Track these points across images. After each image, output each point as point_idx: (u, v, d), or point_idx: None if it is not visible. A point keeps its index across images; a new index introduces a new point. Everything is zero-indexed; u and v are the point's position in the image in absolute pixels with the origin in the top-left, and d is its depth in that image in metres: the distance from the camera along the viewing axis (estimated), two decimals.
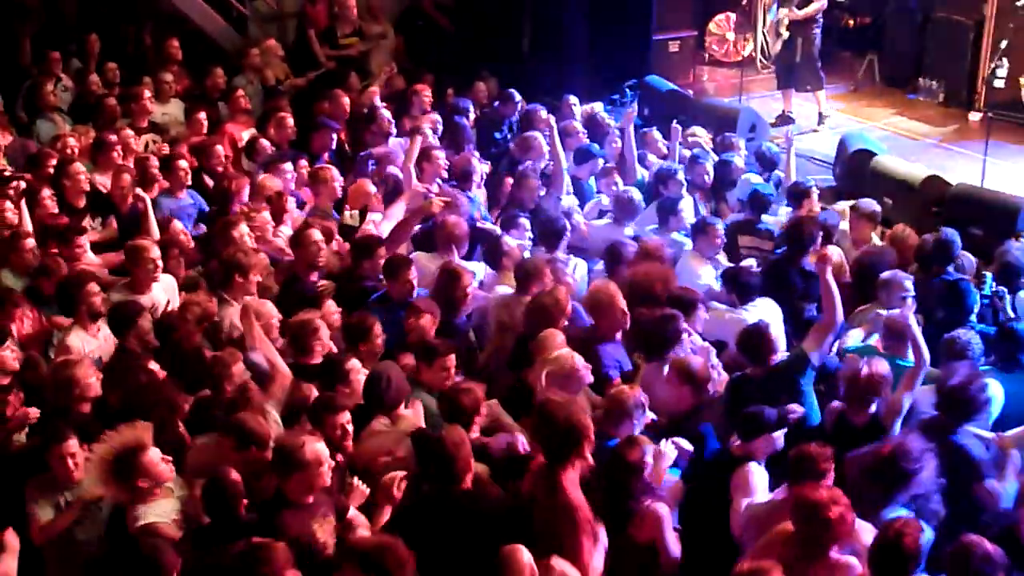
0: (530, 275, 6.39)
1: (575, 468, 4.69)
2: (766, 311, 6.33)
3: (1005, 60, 8.78)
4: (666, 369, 5.64)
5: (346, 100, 9.56)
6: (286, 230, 7.32)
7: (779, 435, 5.01)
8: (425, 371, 5.55)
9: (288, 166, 8.12)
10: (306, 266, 6.65)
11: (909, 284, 6.30)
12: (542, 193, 8.00)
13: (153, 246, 6.62)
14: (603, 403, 5.33)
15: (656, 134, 9.26)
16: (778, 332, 6.02)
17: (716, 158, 8.62)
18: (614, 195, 7.87)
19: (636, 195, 7.68)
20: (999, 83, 8.90)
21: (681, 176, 8.09)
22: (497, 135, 9.73)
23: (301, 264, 6.68)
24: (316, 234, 6.66)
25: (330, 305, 6.25)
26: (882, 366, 5.38)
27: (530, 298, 6.17)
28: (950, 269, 6.66)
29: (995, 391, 5.37)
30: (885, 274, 6.41)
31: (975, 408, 5.22)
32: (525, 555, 4.25)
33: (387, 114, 9.21)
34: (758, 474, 4.93)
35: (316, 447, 4.60)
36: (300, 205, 7.90)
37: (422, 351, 5.62)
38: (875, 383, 5.32)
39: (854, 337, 6.21)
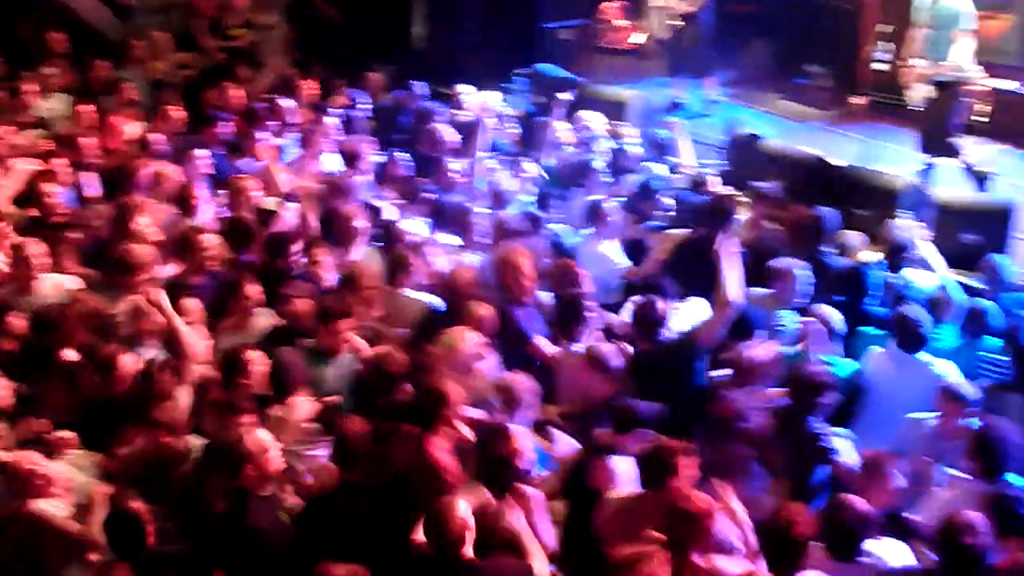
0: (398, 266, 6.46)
1: (443, 435, 4.82)
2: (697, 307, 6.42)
3: (887, 44, 9.01)
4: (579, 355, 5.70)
5: (236, 92, 9.46)
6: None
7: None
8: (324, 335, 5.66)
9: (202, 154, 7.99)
10: (194, 269, 6.54)
11: (805, 274, 6.39)
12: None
13: (33, 243, 6.47)
14: (496, 390, 5.36)
15: (558, 123, 9.30)
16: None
17: (611, 145, 8.73)
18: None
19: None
20: (882, 67, 9.14)
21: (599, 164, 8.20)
22: (396, 125, 9.69)
23: (190, 268, 6.55)
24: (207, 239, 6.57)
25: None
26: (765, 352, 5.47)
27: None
28: (827, 249, 6.83)
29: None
30: (779, 264, 6.50)
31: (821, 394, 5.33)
32: (462, 506, 4.30)
33: (286, 103, 9.15)
34: (623, 466, 4.92)
35: (255, 436, 4.66)
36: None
37: (321, 316, 5.72)
38: (758, 369, 5.44)
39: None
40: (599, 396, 5.46)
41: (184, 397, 5.38)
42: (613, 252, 7.19)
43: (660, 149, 8.75)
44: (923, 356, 5.84)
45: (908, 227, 7.34)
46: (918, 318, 5.88)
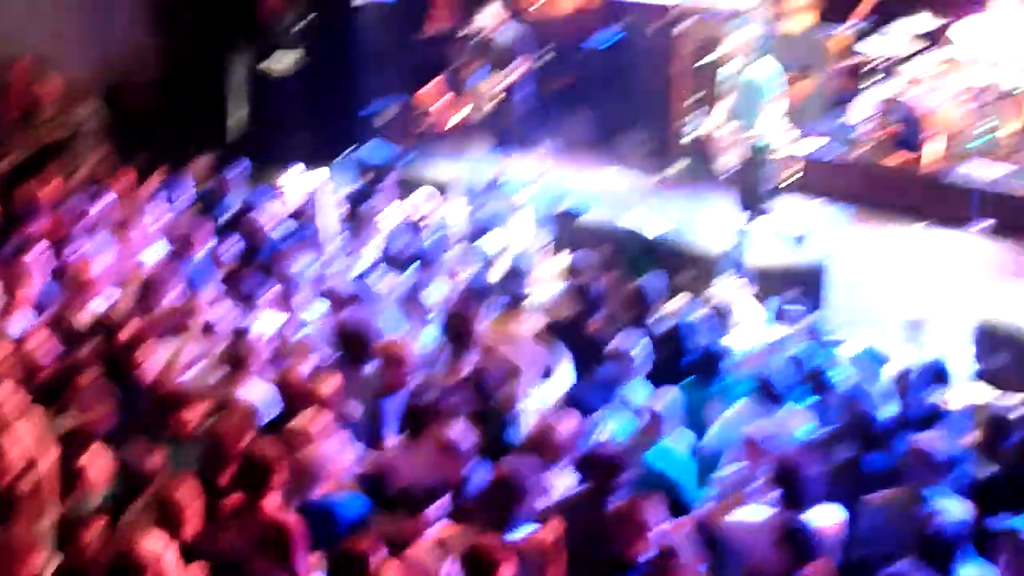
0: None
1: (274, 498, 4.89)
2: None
3: (698, 112, 9.39)
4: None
5: (51, 187, 9.22)
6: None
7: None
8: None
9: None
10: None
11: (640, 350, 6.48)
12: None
13: None
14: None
15: (383, 202, 9.32)
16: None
17: (436, 224, 8.81)
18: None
19: None
20: (694, 135, 9.51)
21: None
22: (219, 211, 9.60)
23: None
24: None
25: None
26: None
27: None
28: (653, 316, 7.02)
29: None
30: (615, 344, 6.57)
31: None
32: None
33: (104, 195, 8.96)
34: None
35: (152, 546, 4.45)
36: None
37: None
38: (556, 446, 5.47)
39: None
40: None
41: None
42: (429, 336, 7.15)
43: (485, 226, 8.86)
44: (780, 412, 5.99)
45: (730, 290, 7.59)
46: (772, 379, 6.04)
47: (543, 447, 5.43)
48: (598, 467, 5.23)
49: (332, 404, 5.84)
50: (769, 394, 6.13)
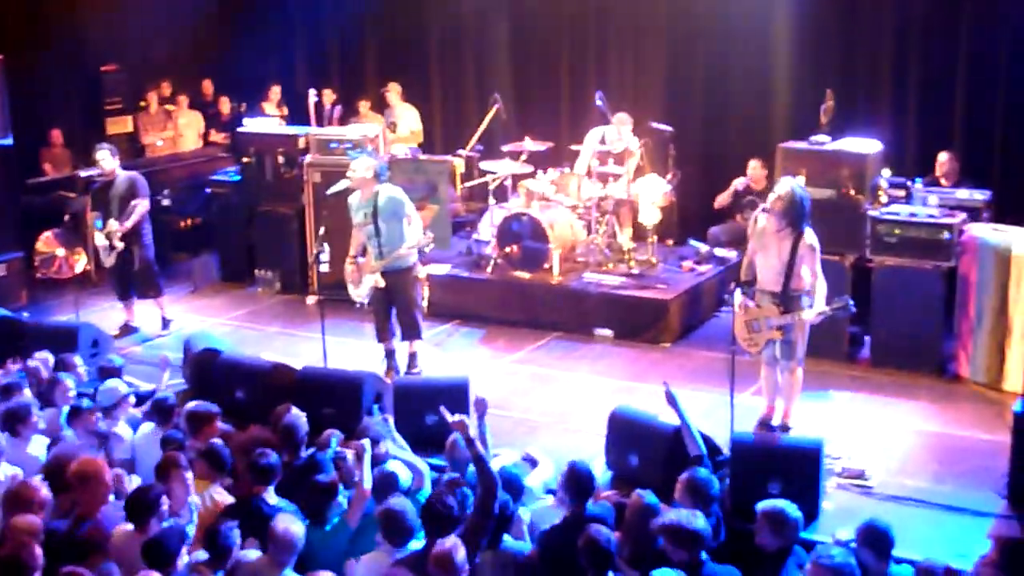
0: None
1: None
2: None
3: (326, 244, 9.39)
4: None
5: None
6: None
7: None
8: None
9: None
10: None
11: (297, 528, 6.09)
12: None
13: None
14: None
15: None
16: None
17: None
18: None
19: None
20: (324, 267, 9.49)
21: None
22: None
23: None
24: None
25: None
26: None
27: None
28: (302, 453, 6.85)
29: None
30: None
31: None
32: None
33: None
34: None
35: None
36: None
37: None
38: None
39: None
40: None
41: None
42: None
43: (110, 374, 8.43)
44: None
45: (376, 423, 7.47)
46: (403, 510, 5.93)
47: None
48: None
49: None
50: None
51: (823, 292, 7.74)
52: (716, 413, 8.12)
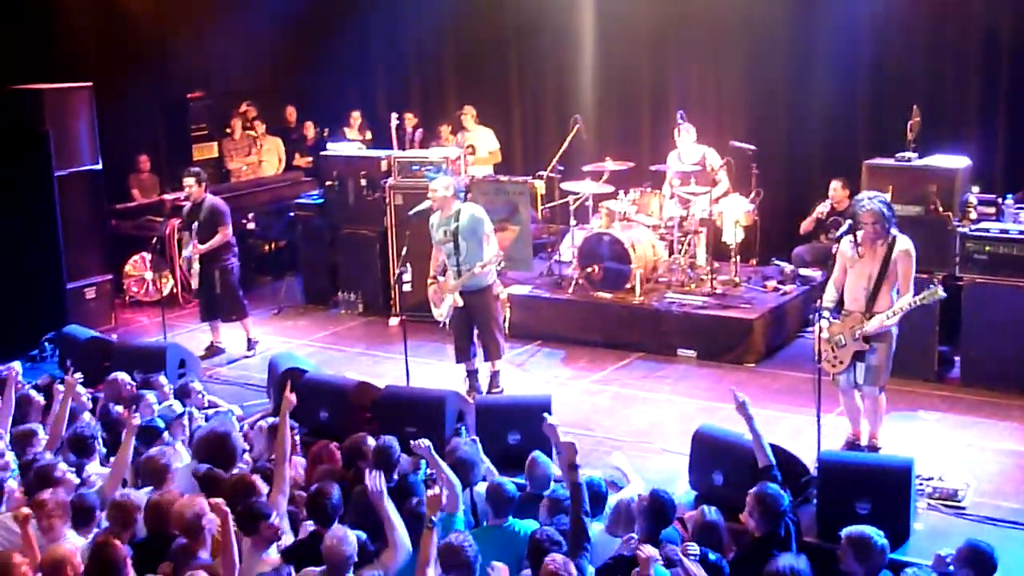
0: None
1: None
2: None
3: (408, 265, 9.48)
4: None
5: None
6: None
7: None
8: None
9: None
10: None
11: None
12: None
13: None
14: None
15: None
16: None
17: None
18: None
19: None
20: (406, 287, 9.58)
21: None
22: None
23: None
24: None
25: None
26: None
27: None
28: (394, 476, 6.90)
29: None
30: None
31: None
32: None
33: None
34: None
35: None
36: None
37: None
38: None
39: None
40: None
41: None
42: None
43: (188, 394, 8.59)
44: None
45: (464, 443, 7.47)
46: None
47: None
48: None
49: None
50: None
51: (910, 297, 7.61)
52: (803, 433, 8.07)
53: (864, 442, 8.00)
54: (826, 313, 7.76)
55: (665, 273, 11.37)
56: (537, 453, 7.04)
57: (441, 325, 9.61)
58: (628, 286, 10.97)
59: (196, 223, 10.89)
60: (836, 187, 11.28)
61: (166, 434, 7.73)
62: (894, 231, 7.64)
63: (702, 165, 11.44)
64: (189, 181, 10.96)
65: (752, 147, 11.44)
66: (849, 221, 7.77)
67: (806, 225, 11.48)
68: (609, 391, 9.79)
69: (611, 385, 9.92)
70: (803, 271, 11.28)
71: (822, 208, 11.33)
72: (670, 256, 11.41)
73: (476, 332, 9.49)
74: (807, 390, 8.04)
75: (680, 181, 11.31)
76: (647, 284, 11.12)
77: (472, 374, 9.61)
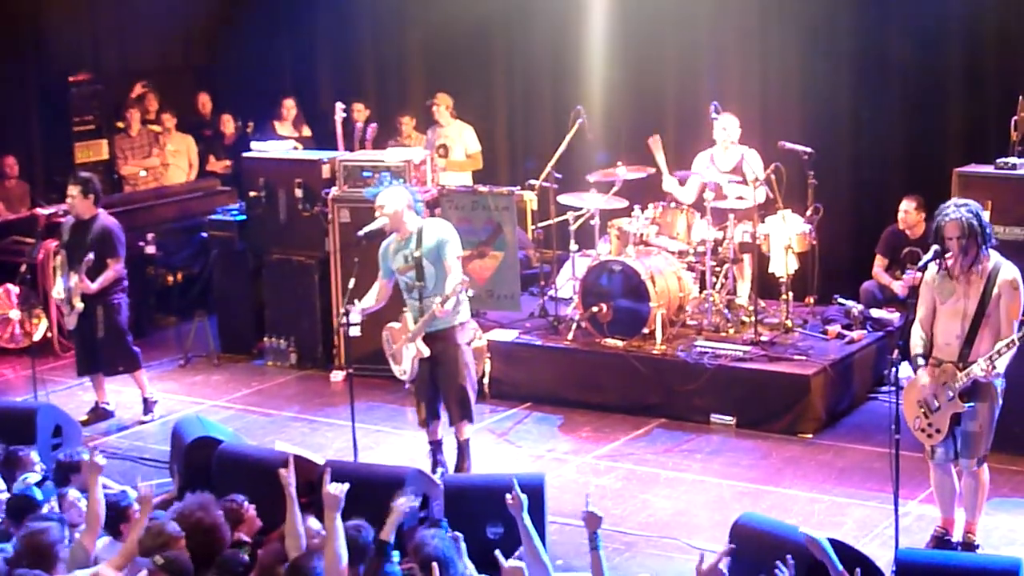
0: None
1: None
2: None
3: (357, 302, 9.38)
4: None
5: None
6: None
7: None
8: None
9: None
10: None
11: None
12: None
13: None
14: None
15: None
16: None
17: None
18: None
19: None
20: (355, 331, 9.48)
21: None
22: None
23: None
24: None
25: None
26: None
27: None
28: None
29: None
30: None
31: None
32: None
33: None
34: None
35: None
36: None
37: None
38: None
39: None
40: None
41: None
42: None
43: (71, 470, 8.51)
44: None
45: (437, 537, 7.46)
46: None
47: None
48: None
49: None
50: None
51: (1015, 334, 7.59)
52: (875, 525, 8.04)
53: (957, 537, 7.97)
54: (920, 361, 7.73)
55: (695, 314, 11.35)
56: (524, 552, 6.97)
57: (406, 386, 9.57)
58: (646, 331, 10.95)
59: (81, 247, 10.79)
60: (909, 208, 11.31)
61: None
62: (996, 256, 7.64)
63: (739, 172, 11.41)
64: (73, 192, 10.85)
65: (809, 150, 11.45)
66: (936, 246, 7.76)
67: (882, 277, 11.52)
68: (621, 470, 9.75)
69: (623, 462, 9.89)
70: (875, 312, 11.28)
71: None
72: (701, 292, 11.39)
73: (441, 388, 9.43)
74: (881, 469, 8.03)
75: (715, 193, 11.31)
76: (671, 329, 11.11)
77: (436, 445, 9.55)
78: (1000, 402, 7.75)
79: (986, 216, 7.82)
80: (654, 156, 11.71)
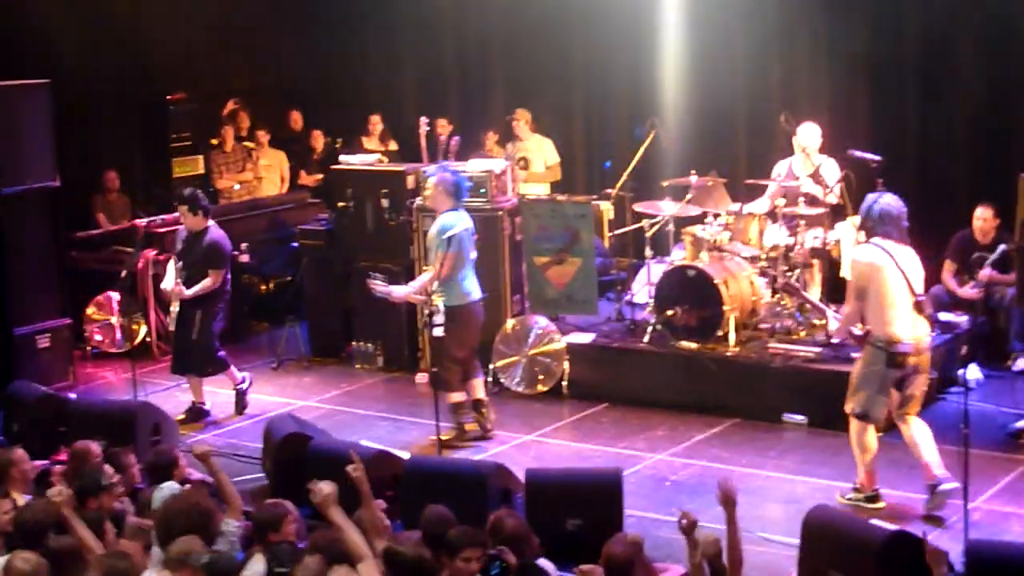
0: None
1: None
2: None
3: (441, 305, 9.43)
4: None
5: None
6: None
7: None
8: None
9: None
10: None
11: None
12: None
13: None
14: None
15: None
16: None
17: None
18: None
19: None
20: (438, 332, 9.54)
21: None
22: None
23: None
24: None
25: None
26: None
27: None
28: None
29: None
30: None
31: None
32: None
33: None
34: None
35: None
36: None
37: None
38: None
39: None
40: None
41: None
42: None
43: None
44: None
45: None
46: None
47: None
48: None
49: None
50: None
51: None
52: (945, 520, 7.92)
53: None
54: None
55: (767, 317, 11.27)
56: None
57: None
58: (719, 334, 10.90)
59: (189, 256, 10.90)
60: (986, 216, 11.16)
61: None
62: None
63: (817, 180, 11.32)
64: (182, 209, 10.93)
65: (877, 157, 11.33)
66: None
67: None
68: (695, 466, 9.69)
69: (698, 459, 9.82)
70: (943, 315, 11.13)
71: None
72: (773, 296, 11.31)
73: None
74: (951, 465, 7.92)
75: (786, 200, 11.23)
76: (744, 331, 11.05)
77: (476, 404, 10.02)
78: None
79: None
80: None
